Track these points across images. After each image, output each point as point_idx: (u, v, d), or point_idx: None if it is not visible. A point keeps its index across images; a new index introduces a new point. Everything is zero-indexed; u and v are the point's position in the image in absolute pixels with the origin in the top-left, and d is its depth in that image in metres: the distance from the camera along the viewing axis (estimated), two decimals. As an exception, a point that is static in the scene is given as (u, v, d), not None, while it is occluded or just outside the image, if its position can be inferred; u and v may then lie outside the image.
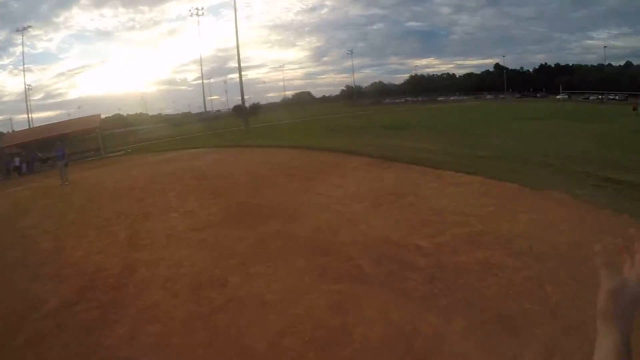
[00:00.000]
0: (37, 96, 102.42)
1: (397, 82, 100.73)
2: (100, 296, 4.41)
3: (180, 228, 6.29)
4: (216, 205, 7.45)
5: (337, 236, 5.27)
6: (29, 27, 57.07)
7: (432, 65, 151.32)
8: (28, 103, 51.00)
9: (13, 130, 46.82)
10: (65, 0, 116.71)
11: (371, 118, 33.68)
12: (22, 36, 54.97)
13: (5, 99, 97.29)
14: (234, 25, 33.61)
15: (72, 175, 15.28)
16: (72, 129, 33.87)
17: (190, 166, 13.89)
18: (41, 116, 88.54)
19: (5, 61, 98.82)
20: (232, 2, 33.94)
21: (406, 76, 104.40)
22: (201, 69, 79.08)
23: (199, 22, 52.33)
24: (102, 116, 44.03)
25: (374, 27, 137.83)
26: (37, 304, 4.55)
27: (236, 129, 34.43)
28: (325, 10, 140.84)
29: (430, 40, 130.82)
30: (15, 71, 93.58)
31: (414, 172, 8.72)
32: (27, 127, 47.73)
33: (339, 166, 10.12)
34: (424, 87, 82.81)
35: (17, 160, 31.00)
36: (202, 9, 52.20)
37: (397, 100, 77.70)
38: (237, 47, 33.60)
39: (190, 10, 51.40)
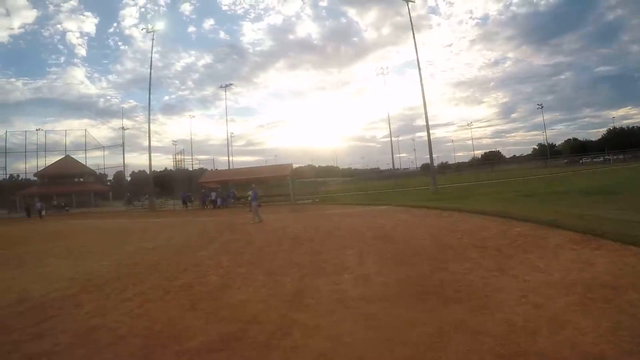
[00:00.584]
0: (239, 143, 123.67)
1: (593, 138, 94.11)
2: (245, 352, 3.94)
3: (351, 294, 5.57)
4: (394, 274, 6.48)
5: (534, 341, 3.53)
6: (231, 84, 69.61)
7: (630, 115, 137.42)
8: (229, 147, 60.52)
9: (215, 169, 54.90)
10: (263, 63, 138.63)
11: (568, 181, 29.43)
12: (225, 92, 66.58)
13: (212, 142, 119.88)
14: (419, 84, 33.86)
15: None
16: (266, 174, 38.01)
17: (373, 224, 13.51)
18: (241, 160, 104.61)
19: (214, 112, 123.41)
20: (416, 61, 34.24)
21: (603, 130, 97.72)
22: (389, 126, 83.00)
23: (384, 81, 55.52)
24: (295, 166, 48.84)
25: (561, 76, 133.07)
26: (182, 337, 4.43)
27: (423, 189, 33.70)
28: (508, 63, 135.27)
29: (624, 85, 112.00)
30: (221, 121, 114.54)
31: (631, 256, 6.08)
32: (227, 168, 55.11)
33: (538, 242, 8.03)
34: (624, 142, 68.88)
35: (213, 194, 36.07)
36: (387, 68, 55.07)
37: (595, 159, 70.31)
38: (424, 104, 33.65)
39: (375, 70, 54.93)
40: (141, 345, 4.26)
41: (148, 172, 48.94)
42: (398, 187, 42.00)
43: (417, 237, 10.15)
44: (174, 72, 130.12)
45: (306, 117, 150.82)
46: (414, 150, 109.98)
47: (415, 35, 36.28)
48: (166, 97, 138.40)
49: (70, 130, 58.35)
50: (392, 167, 64.63)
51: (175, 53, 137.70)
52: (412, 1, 36.61)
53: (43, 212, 36.27)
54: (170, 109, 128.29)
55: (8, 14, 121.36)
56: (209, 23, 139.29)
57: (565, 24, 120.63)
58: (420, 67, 35.45)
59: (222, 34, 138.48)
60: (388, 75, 72.42)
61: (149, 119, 45.47)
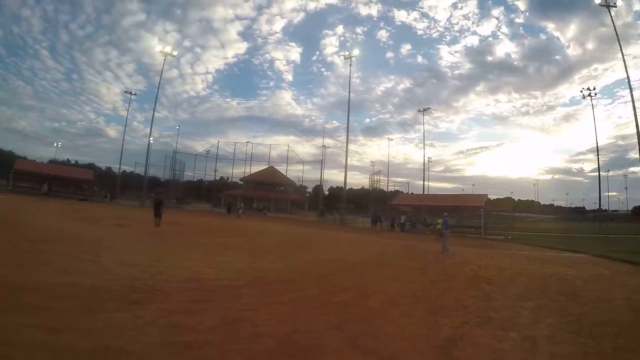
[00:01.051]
0: (437, 168, 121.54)
1: None
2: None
3: (509, 357, 4.46)
4: (568, 345, 5.08)
5: None
6: (429, 108, 67.02)
7: None
8: (426, 172, 59.41)
9: (410, 192, 54.60)
10: (463, 87, 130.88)
11: None
12: (423, 115, 65.61)
13: (410, 166, 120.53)
14: (631, 106, 26.67)
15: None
16: (459, 203, 35.90)
17: (563, 275, 11.19)
18: (437, 185, 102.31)
19: (412, 136, 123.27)
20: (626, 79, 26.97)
21: None
22: (597, 159, 66.42)
23: (592, 104, 45.20)
24: (492, 197, 45.03)
25: None
26: (313, 354, 4.35)
27: (632, 237, 27.29)
28: None
29: None
30: (420, 145, 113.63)
31: None
32: (421, 193, 54.14)
33: None
34: None
35: (402, 217, 35.55)
36: (594, 89, 44.94)
37: None
38: (638, 132, 26.44)
39: (582, 92, 45.36)
40: (273, 348, 4.27)
41: (338, 189, 52.24)
42: (602, 232, 33.90)
43: (610, 301, 7.97)
44: (374, 96, 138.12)
45: (508, 144, 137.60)
46: (626, 189, 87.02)
47: (622, 47, 29.10)
48: (367, 120, 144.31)
49: (276, 144, 67.53)
50: (598, 207, 52.32)
51: (375, 78, 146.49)
52: (613, 6, 29.39)
53: (240, 211, 41.38)
54: (371, 131, 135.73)
55: (222, 46, 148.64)
56: (406, 48, 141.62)
57: None
58: (632, 86, 28.23)
59: (419, 58, 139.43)
60: (597, 97, 59.68)
61: (347, 138, 49.22)
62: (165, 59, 52.69)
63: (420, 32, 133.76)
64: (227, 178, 71.46)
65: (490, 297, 7.84)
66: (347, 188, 49.62)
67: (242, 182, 67.66)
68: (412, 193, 54.61)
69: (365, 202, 52.47)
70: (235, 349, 4.14)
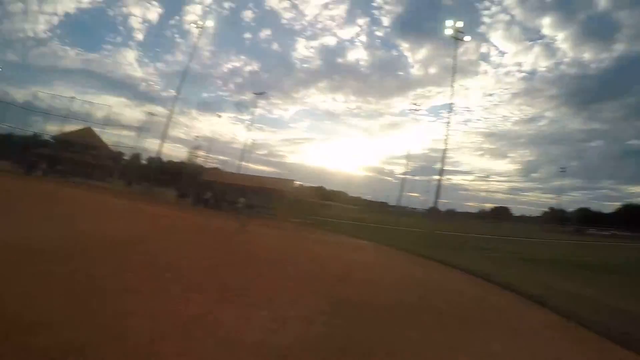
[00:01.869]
0: (261, 151, 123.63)
1: (605, 211, 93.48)
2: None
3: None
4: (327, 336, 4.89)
5: None
6: (265, 92, 66.31)
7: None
8: (250, 154, 59.36)
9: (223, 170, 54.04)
10: (307, 81, 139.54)
11: (570, 251, 27.89)
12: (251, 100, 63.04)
13: (236, 146, 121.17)
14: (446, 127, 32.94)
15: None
16: (266, 185, 36.60)
17: (342, 258, 12.15)
18: (258, 168, 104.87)
19: (246, 117, 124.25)
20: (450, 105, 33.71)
21: (617, 204, 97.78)
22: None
23: (416, 118, 54.74)
24: (308, 185, 47.91)
25: (592, 144, 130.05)
26: None
27: (418, 231, 32.53)
28: (543, 122, 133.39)
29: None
30: (250, 127, 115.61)
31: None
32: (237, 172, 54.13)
33: (511, 320, 7.01)
34: (637, 220, 66.76)
35: (208, 194, 34.83)
36: (420, 105, 54.65)
37: (604, 232, 67.36)
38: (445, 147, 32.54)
39: (410, 109, 54.36)
40: None
41: (157, 159, 48.25)
42: (398, 225, 40.19)
43: (377, 284, 8.95)
44: (219, 73, 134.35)
45: (332, 139, 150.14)
46: (427, 192, 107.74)
47: (457, 78, 35.71)
48: (205, 94, 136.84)
49: (90, 102, 57.46)
50: (398, 204, 62.03)
51: (225, 54, 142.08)
52: (462, 40, 35.56)
53: (40, 172, 37.44)
54: (206, 106, 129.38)
55: None
56: (265, 33, 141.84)
57: (610, 90, 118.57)
58: (456, 111, 34.99)
59: (275, 46, 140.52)
60: (424, 115, 71.86)
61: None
62: None
63: (284, 22, 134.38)
64: (42, 134, 58.69)
65: (261, 276, 7.64)
66: (168, 160, 45.79)
67: (52, 141, 56.71)
68: (220, 170, 53.63)
69: (179, 175, 49.58)
70: None
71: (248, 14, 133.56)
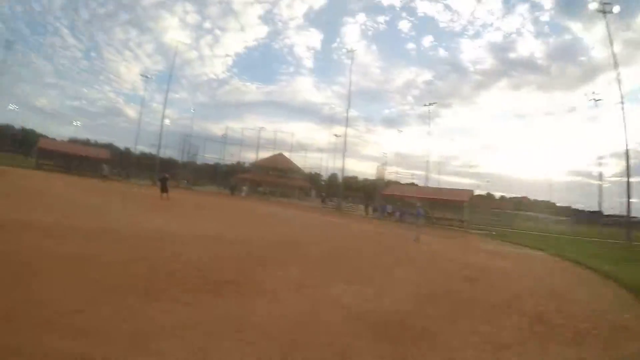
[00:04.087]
0: (455, 162, 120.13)
1: None
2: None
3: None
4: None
5: None
6: (435, 103, 59.74)
7: None
8: (443, 167, 59.19)
9: (413, 184, 56.51)
10: (484, 82, 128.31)
11: None
12: (429, 110, 57.78)
13: (428, 159, 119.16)
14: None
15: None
16: (443, 196, 37.24)
17: (488, 266, 11.69)
18: (454, 180, 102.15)
19: (432, 128, 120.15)
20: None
21: None
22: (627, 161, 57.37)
23: (609, 109, 43.04)
24: (508, 196, 45.93)
25: None
26: None
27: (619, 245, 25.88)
28: None
29: None
30: (440, 138, 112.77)
31: None
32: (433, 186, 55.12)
33: None
34: None
35: (389, 207, 37.28)
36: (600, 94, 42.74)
37: None
38: None
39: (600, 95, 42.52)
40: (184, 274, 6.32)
41: (353, 178, 52.80)
42: (602, 236, 32.88)
43: (507, 289, 8.34)
44: (394, 87, 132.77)
45: (528, 143, 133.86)
46: None
47: None
48: (386, 110, 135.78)
49: (289, 132, 68.81)
50: (614, 214, 47.96)
51: (395, 68, 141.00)
52: (609, 12, 30.31)
53: (243, 193, 45.96)
54: (390, 122, 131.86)
55: (243, 29, 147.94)
56: (427, 40, 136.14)
57: None
58: None
59: (441, 51, 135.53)
60: (623, 102, 57.66)
61: (346, 131, 49.05)
62: (177, 47, 55.27)
63: (442, 25, 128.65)
64: (243, 162, 72.57)
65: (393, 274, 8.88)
66: (361, 178, 50.37)
67: (252, 167, 69.33)
68: (399, 184, 55.70)
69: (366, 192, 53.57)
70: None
71: (404, 24, 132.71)
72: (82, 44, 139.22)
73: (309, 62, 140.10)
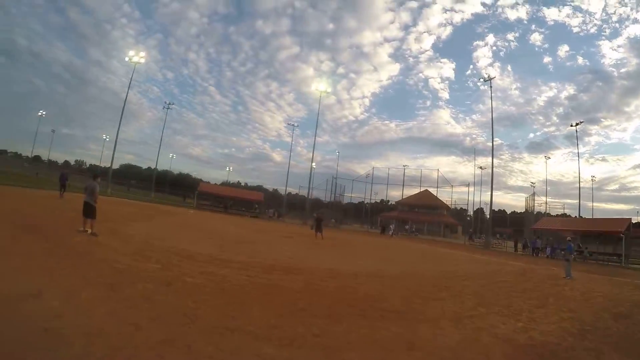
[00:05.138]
0: (611, 187, 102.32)
1: None
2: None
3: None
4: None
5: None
6: (582, 122, 51.54)
7: None
8: (597, 192, 52.20)
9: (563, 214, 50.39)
10: (632, 88, 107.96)
11: None
12: (577, 131, 51.26)
13: (580, 184, 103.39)
14: None
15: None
16: (597, 228, 32.89)
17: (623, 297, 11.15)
18: (611, 207, 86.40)
19: (582, 149, 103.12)
20: None
21: None
22: None
23: None
24: None
25: None
26: None
27: None
28: None
29: None
30: (591, 160, 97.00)
31: None
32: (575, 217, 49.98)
33: None
34: None
35: (538, 242, 34.19)
36: None
37: None
38: None
39: None
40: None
41: (500, 212, 50.37)
42: None
43: None
44: (536, 108, 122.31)
45: None
46: None
47: None
48: (531, 135, 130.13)
49: (431, 167, 69.25)
50: None
51: (535, 87, 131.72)
52: None
53: (391, 232, 46.34)
54: (535, 147, 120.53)
55: (375, 69, 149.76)
56: (563, 50, 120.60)
57: None
58: None
59: (579, 60, 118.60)
60: None
61: (492, 159, 45.72)
62: (321, 96, 58.51)
63: (575, 29, 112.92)
64: (387, 201, 75.45)
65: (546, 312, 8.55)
66: (508, 211, 47.70)
67: (397, 205, 71.25)
68: (550, 216, 50.27)
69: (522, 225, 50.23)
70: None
71: (536, 37, 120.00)
72: (229, 99, 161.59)
73: (444, 94, 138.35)
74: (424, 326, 5.84)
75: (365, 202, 71.37)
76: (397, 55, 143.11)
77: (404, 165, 70.52)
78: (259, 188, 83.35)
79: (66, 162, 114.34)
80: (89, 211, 10.45)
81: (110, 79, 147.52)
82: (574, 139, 51.64)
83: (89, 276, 6.14)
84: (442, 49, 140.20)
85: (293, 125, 76.31)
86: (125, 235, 11.61)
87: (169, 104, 64.68)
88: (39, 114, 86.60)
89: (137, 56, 50.41)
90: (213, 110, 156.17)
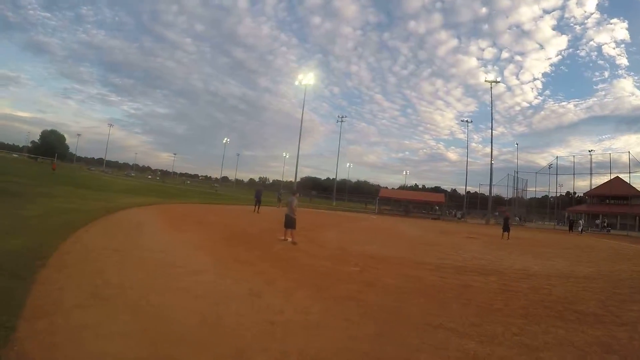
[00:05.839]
0: None
1: None
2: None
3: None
4: None
5: None
6: None
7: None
8: None
9: None
10: None
11: None
12: None
13: None
14: None
15: None
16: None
17: None
18: None
19: None
20: None
21: None
22: None
23: None
24: None
25: None
26: None
27: None
28: None
29: None
30: None
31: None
32: None
33: None
34: None
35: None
36: None
37: None
38: None
39: None
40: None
41: None
42: None
43: None
44: None
45: None
46: None
47: None
48: None
49: (614, 151, 56.82)
50: None
51: None
52: None
53: (580, 228, 40.96)
54: None
55: (542, 47, 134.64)
56: None
57: None
58: None
59: None
60: None
61: None
62: (491, 86, 55.27)
63: None
64: (574, 192, 66.81)
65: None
66: None
67: (586, 197, 62.59)
68: None
69: None
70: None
71: None
72: (396, 104, 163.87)
73: (622, 60, 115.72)
74: (621, 330, 5.75)
75: (550, 195, 64.05)
76: (562, 26, 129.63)
77: (589, 151, 59.85)
78: (437, 189, 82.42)
79: (251, 180, 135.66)
80: (289, 222, 11.86)
81: (282, 102, 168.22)
82: None
83: (299, 279, 7.19)
84: (610, 8, 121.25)
85: (467, 121, 72.65)
86: (320, 242, 13.11)
87: (342, 117, 70.22)
88: (223, 141, 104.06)
89: (305, 78, 54.33)
90: (382, 117, 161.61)
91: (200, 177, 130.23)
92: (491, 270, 10.57)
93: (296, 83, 56.45)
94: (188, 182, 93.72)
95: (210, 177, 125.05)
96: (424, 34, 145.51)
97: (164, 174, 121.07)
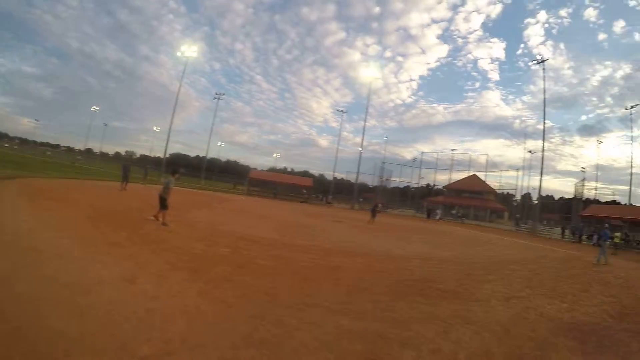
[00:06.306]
0: None
1: None
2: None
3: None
4: None
5: None
6: (636, 105, 47.34)
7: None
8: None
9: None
10: None
11: None
12: (631, 113, 48.65)
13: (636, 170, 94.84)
14: None
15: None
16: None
17: None
18: None
19: (637, 133, 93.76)
20: None
21: None
22: None
23: None
24: None
25: None
26: None
27: None
28: None
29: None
30: None
31: None
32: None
33: None
34: None
35: (586, 230, 33.48)
36: None
37: None
38: None
39: None
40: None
41: (548, 197, 48.45)
42: None
43: None
44: (589, 88, 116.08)
45: None
46: None
47: None
48: (583, 117, 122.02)
49: (471, 150, 67.03)
50: None
51: (588, 66, 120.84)
52: None
53: (437, 217, 46.41)
54: (587, 130, 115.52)
55: (423, 52, 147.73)
56: (619, 26, 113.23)
57: None
58: None
59: (637, 36, 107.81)
60: None
61: (543, 145, 44.34)
62: (370, 83, 57.29)
63: (632, 3, 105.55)
64: (434, 185, 74.09)
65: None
66: (557, 197, 46.17)
67: (444, 190, 70.13)
68: (614, 202, 47.72)
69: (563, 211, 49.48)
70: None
71: (590, 13, 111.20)
72: (276, 87, 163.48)
73: (494, 75, 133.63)
74: (477, 305, 6.42)
75: (412, 186, 70.81)
76: (446, 36, 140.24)
77: (451, 149, 69.63)
78: (305, 173, 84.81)
79: (117, 154, 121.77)
80: (161, 203, 11.13)
81: (159, 72, 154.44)
82: (629, 122, 48.61)
83: (172, 261, 6.76)
84: (492, 28, 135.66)
85: (342, 111, 76.50)
86: (190, 222, 12.50)
87: (220, 94, 66.30)
88: (92, 109, 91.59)
89: (189, 50, 51.55)
90: (259, 97, 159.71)
91: (62, 148, 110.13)
92: (358, 252, 11.08)
93: (178, 54, 52.99)
94: (48, 152, 78.51)
95: (73, 148, 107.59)
96: (314, 22, 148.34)
97: (23, 142, 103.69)
